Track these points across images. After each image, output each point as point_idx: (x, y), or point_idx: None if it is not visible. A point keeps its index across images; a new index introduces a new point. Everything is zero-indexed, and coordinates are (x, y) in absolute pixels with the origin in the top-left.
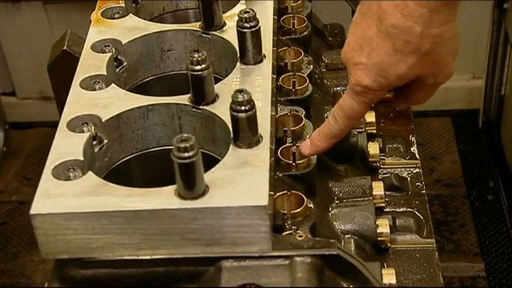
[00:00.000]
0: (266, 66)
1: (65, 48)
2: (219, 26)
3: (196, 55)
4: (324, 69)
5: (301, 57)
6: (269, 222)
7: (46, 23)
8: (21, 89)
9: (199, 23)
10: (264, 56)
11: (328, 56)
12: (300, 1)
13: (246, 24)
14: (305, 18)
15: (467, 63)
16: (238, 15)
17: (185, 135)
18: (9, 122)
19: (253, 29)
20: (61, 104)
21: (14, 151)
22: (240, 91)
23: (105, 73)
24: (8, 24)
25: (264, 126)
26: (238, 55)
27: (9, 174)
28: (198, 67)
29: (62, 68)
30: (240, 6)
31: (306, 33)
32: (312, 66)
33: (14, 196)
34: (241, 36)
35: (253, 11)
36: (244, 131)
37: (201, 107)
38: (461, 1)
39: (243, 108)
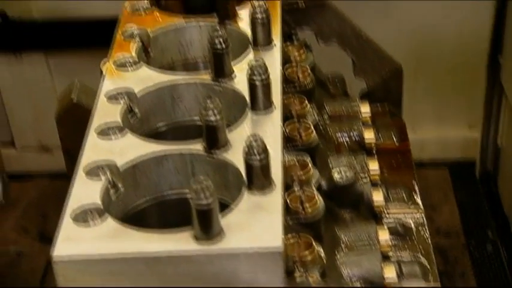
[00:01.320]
0: (276, 115)
1: (73, 99)
2: (228, 76)
3: (209, 103)
4: (327, 119)
5: (305, 106)
6: (283, 266)
7: (47, 74)
8: (20, 139)
9: (209, 72)
10: (273, 104)
11: (331, 106)
12: (303, 52)
13: (256, 75)
14: (309, 70)
15: (463, 114)
16: (249, 66)
17: (204, 182)
18: (7, 171)
19: (264, 80)
20: (68, 153)
21: (12, 202)
22: (255, 139)
23: (120, 122)
24: (9, 75)
25: (276, 173)
26: (249, 103)
27: (7, 226)
28: (212, 116)
29: (70, 118)
30: (248, 56)
31: (310, 84)
32: (316, 115)
33: (12, 247)
34: (252, 86)
35: (263, 61)
36: (258, 177)
37: (214, 154)
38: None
39: (257, 155)
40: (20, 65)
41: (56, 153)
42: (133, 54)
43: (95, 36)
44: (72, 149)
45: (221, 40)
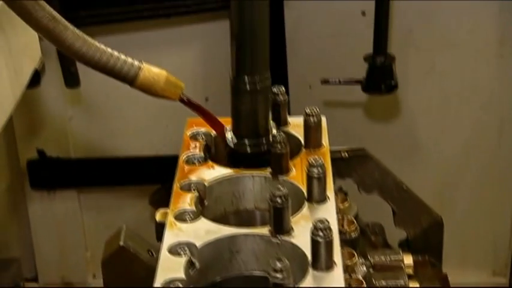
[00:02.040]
0: (337, 273)
1: (121, 243)
2: (288, 231)
3: (278, 263)
4: (371, 269)
5: (354, 259)
6: None
7: (77, 210)
8: (44, 276)
9: (268, 227)
10: (335, 263)
11: (374, 256)
12: (347, 203)
13: (320, 234)
14: (354, 220)
15: (487, 260)
16: (313, 224)
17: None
18: None
19: (327, 239)
20: None
21: None
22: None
23: (183, 276)
24: (40, 211)
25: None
26: (310, 261)
27: None
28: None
29: (118, 263)
30: (304, 211)
31: (355, 235)
32: (365, 268)
33: None
34: (314, 244)
35: (327, 221)
36: None
37: None
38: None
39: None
40: (53, 200)
41: None
42: (192, 206)
43: (127, 175)
44: None
45: (283, 198)
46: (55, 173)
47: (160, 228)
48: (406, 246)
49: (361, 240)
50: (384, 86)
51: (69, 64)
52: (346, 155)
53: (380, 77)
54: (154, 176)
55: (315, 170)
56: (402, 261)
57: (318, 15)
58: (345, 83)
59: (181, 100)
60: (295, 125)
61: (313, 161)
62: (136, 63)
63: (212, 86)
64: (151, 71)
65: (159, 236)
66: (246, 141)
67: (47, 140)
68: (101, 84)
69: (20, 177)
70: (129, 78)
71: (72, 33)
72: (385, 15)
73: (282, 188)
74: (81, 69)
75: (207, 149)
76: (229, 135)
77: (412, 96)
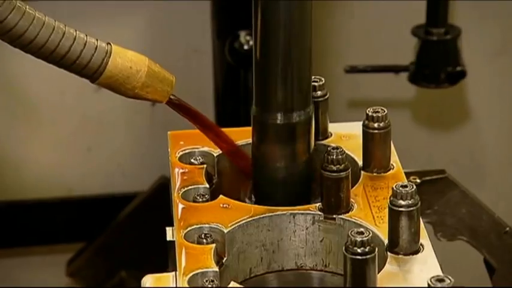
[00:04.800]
0: None
1: None
2: None
3: None
4: None
5: None
6: None
7: None
8: None
9: None
10: None
11: None
12: None
13: None
14: None
15: None
16: None
17: None
18: None
19: None
20: None
21: None
22: None
23: None
24: None
25: None
26: None
27: None
28: None
29: None
30: (390, 269)
31: None
32: None
33: None
34: None
35: None
36: None
37: None
38: None
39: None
40: None
41: None
42: (211, 264)
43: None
44: None
45: (367, 246)
46: None
47: None
48: None
49: None
50: (444, 74)
51: None
52: (418, 180)
53: (438, 60)
54: (70, 230)
55: (405, 203)
56: None
57: None
58: (381, 70)
59: (170, 103)
60: (341, 136)
61: (402, 189)
62: (101, 44)
63: None
64: (126, 57)
65: None
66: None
67: None
68: None
69: None
70: (91, 70)
71: None
72: None
73: (364, 231)
74: None
75: (207, 177)
76: None
77: (483, 89)
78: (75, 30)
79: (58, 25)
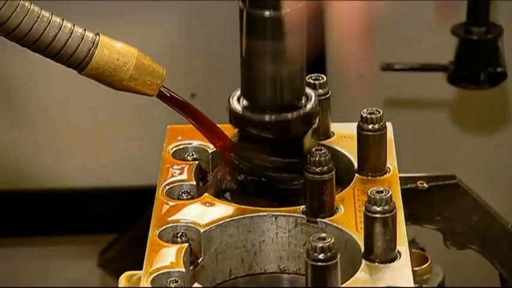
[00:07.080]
0: None
1: None
2: None
3: None
4: None
5: None
6: None
7: None
8: None
9: None
10: None
11: None
12: (427, 265)
13: None
14: None
15: None
16: None
17: None
18: None
19: None
20: None
21: None
22: None
23: None
24: None
25: None
26: None
27: None
28: None
29: None
30: (362, 276)
31: None
32: None
33: None
34: None
35: None
36: None
37: None
38: None
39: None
40: None
41: None
42: (179, 265)
43: (61, 219)
44: None
45: (328, 253)
46: None
47: None
48: None
49: None
50: (484, 75)
51: None
52: (425, 185)
53: (478, 60)
54: (105, 220)
55: (380, 209)
56: None
57: None
58: (418, 69)
59: (161, 96)
60: (342, 136)
61: (377, 195)
62: (88, 34)
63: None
64: (114, 48)
65: None
66: None
67: None
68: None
69: None
70: (76, 60)
71: None
72: None
73: (326, 237)
74: None
75: (200, 173)
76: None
77: None
78: (62, 19)
79: (43, 13)
